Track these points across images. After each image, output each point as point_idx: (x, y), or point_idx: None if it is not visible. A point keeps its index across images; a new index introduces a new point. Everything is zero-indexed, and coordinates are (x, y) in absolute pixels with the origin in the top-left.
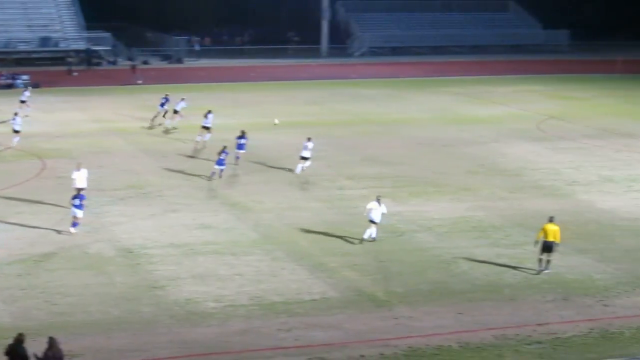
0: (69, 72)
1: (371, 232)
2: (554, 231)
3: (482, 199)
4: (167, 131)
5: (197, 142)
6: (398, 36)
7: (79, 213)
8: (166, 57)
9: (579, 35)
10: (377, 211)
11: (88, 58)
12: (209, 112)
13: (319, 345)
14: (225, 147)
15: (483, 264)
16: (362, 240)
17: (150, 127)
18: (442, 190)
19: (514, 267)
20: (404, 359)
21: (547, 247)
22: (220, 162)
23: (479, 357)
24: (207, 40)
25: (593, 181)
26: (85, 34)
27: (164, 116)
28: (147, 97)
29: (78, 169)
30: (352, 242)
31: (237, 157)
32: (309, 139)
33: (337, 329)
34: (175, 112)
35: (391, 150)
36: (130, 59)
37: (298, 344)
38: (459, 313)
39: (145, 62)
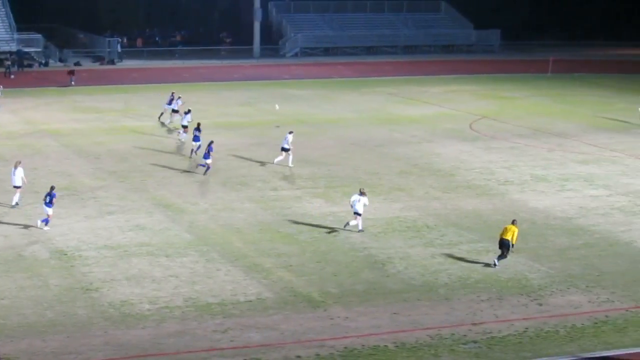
0: (7, 74)
1: (356, 223)
2: (511, 231)
3: (416, 199)
4: (169, 130)
5: (180, 140)
6: (330, 37)
7: (49, 210)
8: (98, 59)
9: (510, 35)
10: (360, 203)
11: (20, 60)
12: (189, 110)
13: (254, 346)
14: (211, 142)
15: (418, 264)
16: (345, 225)
17: (163, 125)
18: (375, 191)
19: (466, 261)
20: (340, 359)
21: (500, 244)
22: (206, 156)
23: (414, 357)
24: (139, 41)
25: (526, 180)
26: (16, 36)
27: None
28: (79, 98)
29: (16, 167)
30: (336, 230)
31: (193, 150)
32: (290, 132)
33: (273, 330)
34: (175, 111)
35: (324, 150)
36: (62, 60)
37: (234, 345)
38: (395, 313)
39: (77, 64)
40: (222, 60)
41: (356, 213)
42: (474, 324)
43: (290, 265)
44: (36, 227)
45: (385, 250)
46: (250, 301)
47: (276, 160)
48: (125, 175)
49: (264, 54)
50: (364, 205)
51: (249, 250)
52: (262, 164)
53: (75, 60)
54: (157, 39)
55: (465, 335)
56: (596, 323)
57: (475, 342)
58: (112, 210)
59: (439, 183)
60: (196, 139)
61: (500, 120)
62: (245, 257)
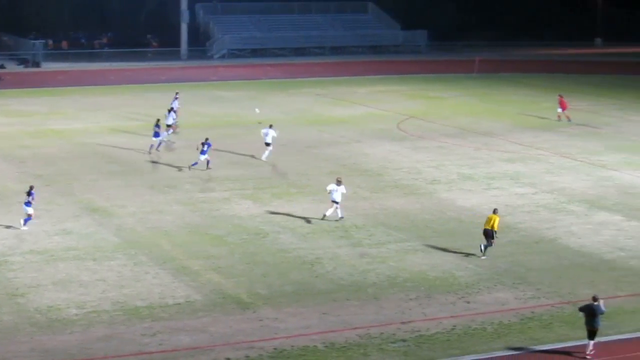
0: None
1: (333, 211)
2: (492, 220)
3: (344, 199)
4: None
5: (168, 140)
6: (258, 38)
7: (29, 210)
8: (23, 61)
9: (437, 35)
10: (337, 192)
11: None
12: (171, 109)
13: (184, 349)
14: (207, 139)
15: (346, 264)
16: (324, 216)
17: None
18: (304, 191)
19: (433, 254)
20: None
21: (484, 234)
22: (203, 153)
23: (344, 357)
24: (65, 43)
25: (453, 179)
26: None
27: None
28: (3, 101)
29: None
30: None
31: (152, 146)
32: (270, 126)
33: (202, 333)
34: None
35: (253, 152)
36: None
37: (163, 349)
38: (324, 313)
39: (1, 67)
40: (149, 62)
41: (334, 202)
42: (403, 323)
43: (219, 267)
44: (19, 228)
45: (313, 250)
46: (179, 304)
47: (264, 156)
48: (52, 179)
49: (191, 56)
50: (342, 193)
51: (177, 252)
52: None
53: (0, 63)
54: (82, 40)
55: (394, 334)
56: (522, 319)
57: (404, 340)
58: (38, 215)
59: (367, 183)
60: (156, 135)
61: (428, 120)
62: (173, 260)
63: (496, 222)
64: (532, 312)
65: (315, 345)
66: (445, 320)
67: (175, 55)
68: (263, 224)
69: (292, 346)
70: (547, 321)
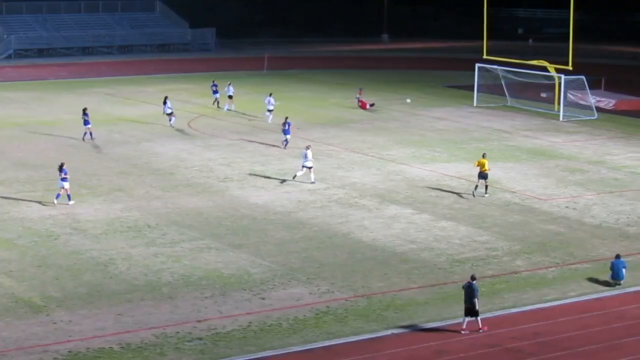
0: None
1: (303, 174)
2: (485, 163)
3: (136, 198)
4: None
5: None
6: (44, 38)
7: (66, 185)
8: None
9: (225, 33)
10: (308, 159)
11: None
12: (166, 98)
13: None
14: (287, 118)
15: (140, 264)
16: (294, 177)
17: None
18: (95, 192)
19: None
20: None
21: (482, 176)
22: (286, 132)
23: (140, 357)
24: None
25: (246, 177)
26: None
27: (217, 104)
28: None
29: None
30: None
31: (85, 134)
32: (270, 94)
33: None
34: (230, 97)
35: (41, 153)
36: None
37: None
38: (119, 314)
39: None
40: None
41: (306, 167)
42: (199, 321)
43: (10, 271)
44: (54, 204)
45: (107, 251)
46: None
47: (269, 120)
48: None
49: None
50: (309, 158)
51: None
52: None
53: None
54: None
55: (190, 333)
56: (318, 314)
57: (200, 339)
58: None
59: (158, 182)
60: (86, 123)
61: (218, 118)
62: None
63: (486, 163)
64: (327, 306)
65: (110, 347)
66: (241, 317)
67: None
68: (54, 226)
69: (88, 348)
70: (342, 315)
